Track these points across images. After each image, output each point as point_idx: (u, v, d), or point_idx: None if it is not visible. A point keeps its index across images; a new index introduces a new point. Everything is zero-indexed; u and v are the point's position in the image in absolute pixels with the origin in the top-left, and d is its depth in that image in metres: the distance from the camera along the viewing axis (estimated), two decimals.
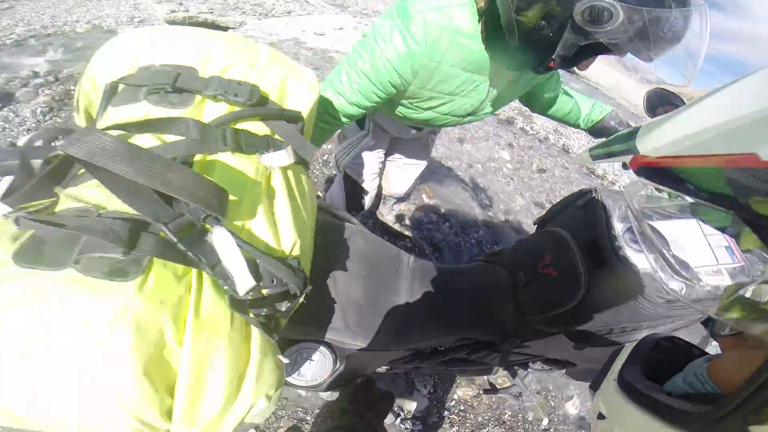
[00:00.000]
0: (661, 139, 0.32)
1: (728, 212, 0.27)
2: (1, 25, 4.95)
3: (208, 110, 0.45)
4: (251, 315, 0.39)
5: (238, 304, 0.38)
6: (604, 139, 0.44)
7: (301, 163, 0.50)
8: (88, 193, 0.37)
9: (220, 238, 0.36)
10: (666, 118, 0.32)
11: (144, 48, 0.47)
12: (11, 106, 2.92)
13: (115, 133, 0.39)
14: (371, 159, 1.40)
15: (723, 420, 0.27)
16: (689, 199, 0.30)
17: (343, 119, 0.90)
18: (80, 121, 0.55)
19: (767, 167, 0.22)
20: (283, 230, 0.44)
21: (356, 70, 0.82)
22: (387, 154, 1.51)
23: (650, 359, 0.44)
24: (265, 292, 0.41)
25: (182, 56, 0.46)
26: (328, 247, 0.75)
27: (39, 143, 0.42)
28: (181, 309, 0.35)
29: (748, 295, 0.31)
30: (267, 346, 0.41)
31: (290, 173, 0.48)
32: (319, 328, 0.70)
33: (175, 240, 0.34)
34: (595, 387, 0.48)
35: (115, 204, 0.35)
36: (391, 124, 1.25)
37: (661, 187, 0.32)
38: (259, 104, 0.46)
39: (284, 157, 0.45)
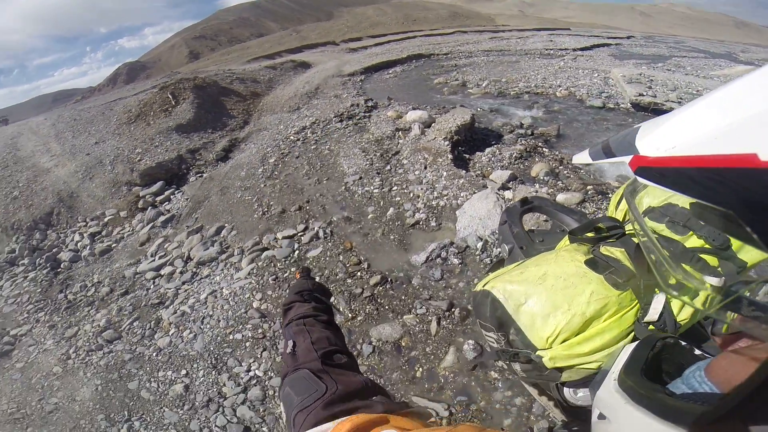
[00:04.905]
0: (660, 140, 0.32)
1: (729, 212, 0.26)
2: (511, 78, 6.97)
3: (692, 241, 0.74)
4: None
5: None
6: (604, 139, 0.46)
7: None
8: (615, 253, 0.82)
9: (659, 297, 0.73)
10: (666, 119, 0.34)
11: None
12: (497, 145, 4.10)
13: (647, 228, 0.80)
14: None
15: (723, 420, 0.27)
16: (690, 199, 0.29)
17: None
18: (611, 213, 0.96)
19: (767, 167, 0.23)
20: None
21: None
22: None
23: (650, 360, 0.45)
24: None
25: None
26: None
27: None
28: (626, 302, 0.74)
29: (748, 294, 0.31)
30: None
31: None
32: None
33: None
34: (595, 387, 0.49)
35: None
36: None
37: (660, 187, 0.32)
38: (722, 248, 0.72)
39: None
